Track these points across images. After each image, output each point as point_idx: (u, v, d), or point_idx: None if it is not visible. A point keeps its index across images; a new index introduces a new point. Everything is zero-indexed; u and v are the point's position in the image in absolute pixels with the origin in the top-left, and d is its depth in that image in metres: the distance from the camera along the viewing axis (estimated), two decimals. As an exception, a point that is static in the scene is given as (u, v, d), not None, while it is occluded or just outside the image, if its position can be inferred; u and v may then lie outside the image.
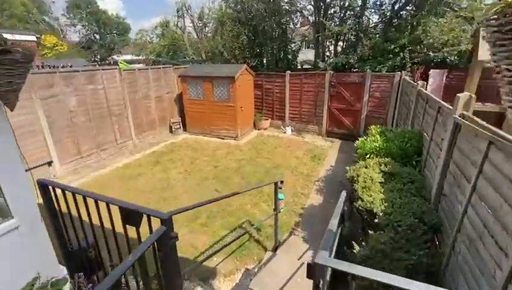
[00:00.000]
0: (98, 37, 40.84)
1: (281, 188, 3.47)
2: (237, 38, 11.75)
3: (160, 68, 9.03)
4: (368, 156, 4.22)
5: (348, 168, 3.77)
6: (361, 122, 8.35)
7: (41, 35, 28.90)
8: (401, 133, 4.39)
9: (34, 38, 11.75)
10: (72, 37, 40.02)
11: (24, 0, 28.03)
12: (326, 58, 10.20)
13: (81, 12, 38.95)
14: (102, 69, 7.12)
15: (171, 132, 9.66)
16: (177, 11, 13.38)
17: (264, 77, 9.92)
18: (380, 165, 3.40)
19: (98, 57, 37.91)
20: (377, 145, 4.17)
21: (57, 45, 29.22)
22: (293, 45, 11.70)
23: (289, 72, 9.28)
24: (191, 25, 13.95)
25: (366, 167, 3.46)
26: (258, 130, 10.01)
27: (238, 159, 7.14)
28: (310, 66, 11.31)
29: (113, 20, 40.21)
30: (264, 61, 12.40)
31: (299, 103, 9.41)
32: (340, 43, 10.42)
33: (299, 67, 11.92)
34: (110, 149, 7.51)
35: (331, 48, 10.67)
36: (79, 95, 6.59)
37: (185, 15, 13.64)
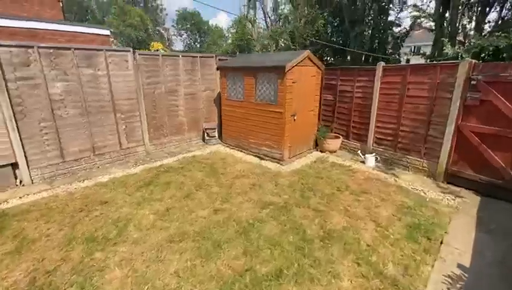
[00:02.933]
0: (198, 45, 44.73)
1: None
2: (312, 25, 8.65)
3: (196, 57, 6.90)
4: None
5: None
6: (540, 168, 3.89)
7: (151, 42, 33.02)
8: None
9: (107, 32, 12.07)
10: (177, 45, 45.21)
11: (141, 13, 32.63)
12: (457, 43, 5.92)
13: (187, 23, 43.50)
14: (107, 50, 5.40)
15: (204, 140, 7.43)
16: (248, 0, 11.39)
17: (341, 73, 6.49)
18: None
19: (196, 63, 41.09)
20: None
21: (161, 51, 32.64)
22: (396, 30, 7.74)
23: (383, 64, 5.59)
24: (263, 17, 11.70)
25: None
26: (321, 152, 6.62)
27: (262, 202, 4.08)
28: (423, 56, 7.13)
29: (211, 29, 43.18)
30: (348, 57, 8.85)
31: (395, 116, 5.56)
32: (493, 16, 5.91)
33: (403, 62, 7.83)
34: (110, 154, 5.74)
35: (468, 25, 6.25)
36: (69, 81, 4.99)
37: (257, 5, 11.51)
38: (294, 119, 5.80)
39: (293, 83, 5.49)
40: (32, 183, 4.81)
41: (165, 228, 3.44)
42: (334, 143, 6.57)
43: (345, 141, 6.67)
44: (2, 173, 4.54)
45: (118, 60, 5.53)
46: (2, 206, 4.01)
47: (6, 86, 4.33)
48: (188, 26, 42.13)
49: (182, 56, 6.63)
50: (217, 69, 6.80)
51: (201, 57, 7.00)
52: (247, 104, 6.25)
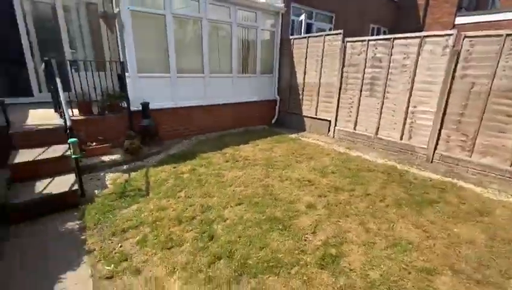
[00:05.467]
0: None
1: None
2: None
3: None
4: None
5: None
6: None
7: None
8: None
9: None
10: None
11: None
12: None
13: None
14: (427, 36, 4.87)
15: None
16: None
17: None
18: None
19: None
20: None
21: None
22: None
23: None
24: None
25: None
26: None
27: None
28: None
29: None
30: None
31: None
32: None
33: None
34: (388, 142, 5.83)
35: None
36: (381, 68, 5.70)
37: None
38: None
39: None
40: (334, 137, 6.91)
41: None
42: None
43: None
44: (325, 124, 7.14)
45: (432, 48, 4.89)
46: (306, 139, 6.78)
47: (342, 69, 6.39)
48: None
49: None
50: None
51: None
52: None
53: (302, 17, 8.09)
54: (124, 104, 5.38)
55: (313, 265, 2.42)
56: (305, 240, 2.79)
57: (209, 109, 6.78)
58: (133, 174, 4.29)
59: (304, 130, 7.60)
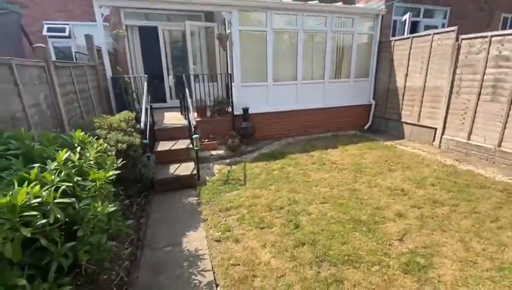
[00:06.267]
0: None
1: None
2: None
3: None
4: None
5: None
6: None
7: None
8: None
9: None
10: None
11: None
12: None
13: None
14: None
15: None
16: None
17: None
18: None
19: None
20: None
21: None
22: None
23: None
24: None
25: None
26: None
27: None
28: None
29: None
30: None
31: None
32: None
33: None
34: (501, 155, 4.79)
35: None
36: (501, 67, 4.74)
37: None
38: None
39: None
40: (439, 147, 6.11)
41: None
42: None
43: None
44: (429, 132, 6.38)
45: None
46: (403, 147, 6.30)
47: (454, 70, 5.61)
48: None
49: None
50: None
51: None
52: None
53: (406, 16, 7.47)
54: (229, 109, 6.42)
55: (396, 268, 2.44)
56: (390, 245, 2.78)
57: (299, 114, 7.17)
58: (233, 167, 5.13)
59: (402, 137, 7.00)
